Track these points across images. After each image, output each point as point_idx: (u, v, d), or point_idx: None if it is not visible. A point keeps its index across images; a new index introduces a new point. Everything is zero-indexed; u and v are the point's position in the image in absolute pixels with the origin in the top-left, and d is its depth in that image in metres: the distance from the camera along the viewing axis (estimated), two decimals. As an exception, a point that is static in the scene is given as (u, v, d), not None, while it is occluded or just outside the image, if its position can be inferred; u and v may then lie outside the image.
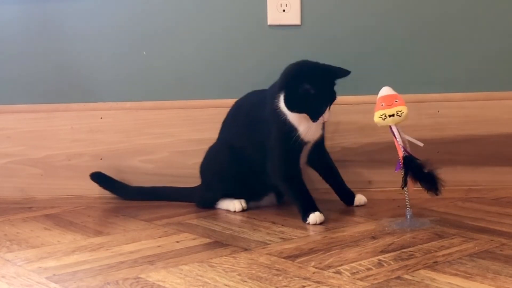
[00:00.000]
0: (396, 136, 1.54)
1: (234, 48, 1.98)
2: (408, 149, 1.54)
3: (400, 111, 1.54)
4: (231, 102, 1.88)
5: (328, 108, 1.61)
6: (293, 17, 1.95)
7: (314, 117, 1.61)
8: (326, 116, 1.61)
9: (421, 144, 1.56)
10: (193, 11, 1.98)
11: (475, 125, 1.93)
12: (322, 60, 1.95)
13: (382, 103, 1.56)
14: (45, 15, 2.01)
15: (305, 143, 1.67)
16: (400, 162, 1.52)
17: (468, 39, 1.94)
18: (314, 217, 1.58)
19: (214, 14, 1.98)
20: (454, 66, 1.95)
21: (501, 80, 1.94)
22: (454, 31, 1.94)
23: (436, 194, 1.52)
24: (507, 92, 1.93)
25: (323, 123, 1.68)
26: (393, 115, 1.54)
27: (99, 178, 1.95)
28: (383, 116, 1.55)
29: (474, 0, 1.93)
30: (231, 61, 1.98)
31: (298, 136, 1.63)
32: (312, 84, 1.58)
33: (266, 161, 1.69)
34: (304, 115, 1.61)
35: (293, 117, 1.63)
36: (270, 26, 1.96)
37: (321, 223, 1.58)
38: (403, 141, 1.54)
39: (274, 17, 1.95)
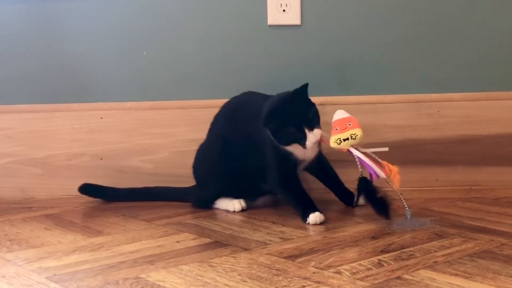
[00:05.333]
0: (357, 155, 1.57)
1: (234, 48, 1.98)
2: (378, 159, 1.56)
3: (354, 134, 1.57)
4: (231, 102, 1.87)
5: (308, 130, 1.59)
6: (293, 17, 1.95)
7: (302, 143, 1.61)
8: (311, 138, 1.59)
9: (386, 149, 1.58)
10: (193, 11, 1.98)
11: (475, 125, 1.93)
12: (322, 60, 1.96)
13: (336, 128, 1.59)
14: (45, 15, 2.01)
15: (302, 161, 1.68)
16: (374, 172, 1.56)
17: (468, 39, 1.94)
18: (314, 217, 1.58)
19: (214, 14, 1.98)
20: (454, 66, 1.95)
21: (501, 80, 1.94)
22: (454, 31, 1.94)
23: (387, 218, 1.56)
24: (507, 92, 1.93)
25: (319, 143, 1.68)
26: (347, 138, 1.57)
27: (87, 189, 1.92)
28: (338, 141, 1.58)
29: (474, 0, 1.93)
30: (231, 61, 1.98)
31: (295, 159, 1.65)
32: (274, 121, 1.60)
33: (260, 165, 1.70)
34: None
35: (290, 147, 1.64)
36: (270, 26, 1.96)
37: (321, 223, 1.58)
38: (368, 155, 1.57)
39: (274, 17, 1.95)
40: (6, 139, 2.02)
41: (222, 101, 1.85)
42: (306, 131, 1.59)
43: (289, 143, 1.62)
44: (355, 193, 1.65)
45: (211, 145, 1.79)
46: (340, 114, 1.61)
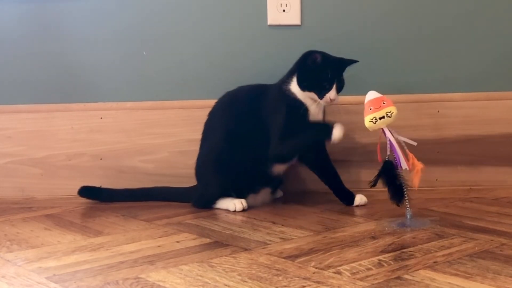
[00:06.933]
0: (389, 137, 1.54)
1: (234, 48, 1.98)
2: (406, 150, 1.54)
3: (389, 112, 1.54)
4: (231, 102, 1.87)
5: (334, 87, 1.68)
6: (293, 17, 1.95)
7: (321, 94, 1.68)
8: (332, 94, 1.68)
9: (415, 143, 1.56)
10: (193, 11, 1.98)
11: (475, 125, 1.93)
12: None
13: (370, 107, 1.56)
14: (45, 15, 2.01)
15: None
16: (399, 161, 1.53)
17: (468, 39, 1.94)
18: (338, 130, 1.67)
19: (214, 14, 1.98)
20: (454, 66, 1.95)
21: (501, 80, 1.94)
22: (454, 31, 1.94)
23: (397, 205, 1.56)
24: (507, 92, 1.93)
25: (324, 111, 1.74)
26: (383, 117, 1.54)
27: (86, 192, 1.92)
28: (374, 120, 1.55)
29: (474, 0, 1.93)
30: (231, 61, 1.98)
31: (306, 110, 1.70)
32: (321, 56, 1.69)
33: (265, 147, 1.72)
34: (312, 96, 1.69)
35: (302, 97, 1.71)
36: (270, 26, 1.96)
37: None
38: (398, 142, 1.54)
39: (274, 17, 1.95)
40: (6, 139, 2.02)
41: (222, 101, 1.86)
42: (334, 86, 1.68)
43: (311, 87, 1.69)
44: (376, 175, 1.57)
45: (214, 143, 1.79)
46: (372, 95, 1.58)
